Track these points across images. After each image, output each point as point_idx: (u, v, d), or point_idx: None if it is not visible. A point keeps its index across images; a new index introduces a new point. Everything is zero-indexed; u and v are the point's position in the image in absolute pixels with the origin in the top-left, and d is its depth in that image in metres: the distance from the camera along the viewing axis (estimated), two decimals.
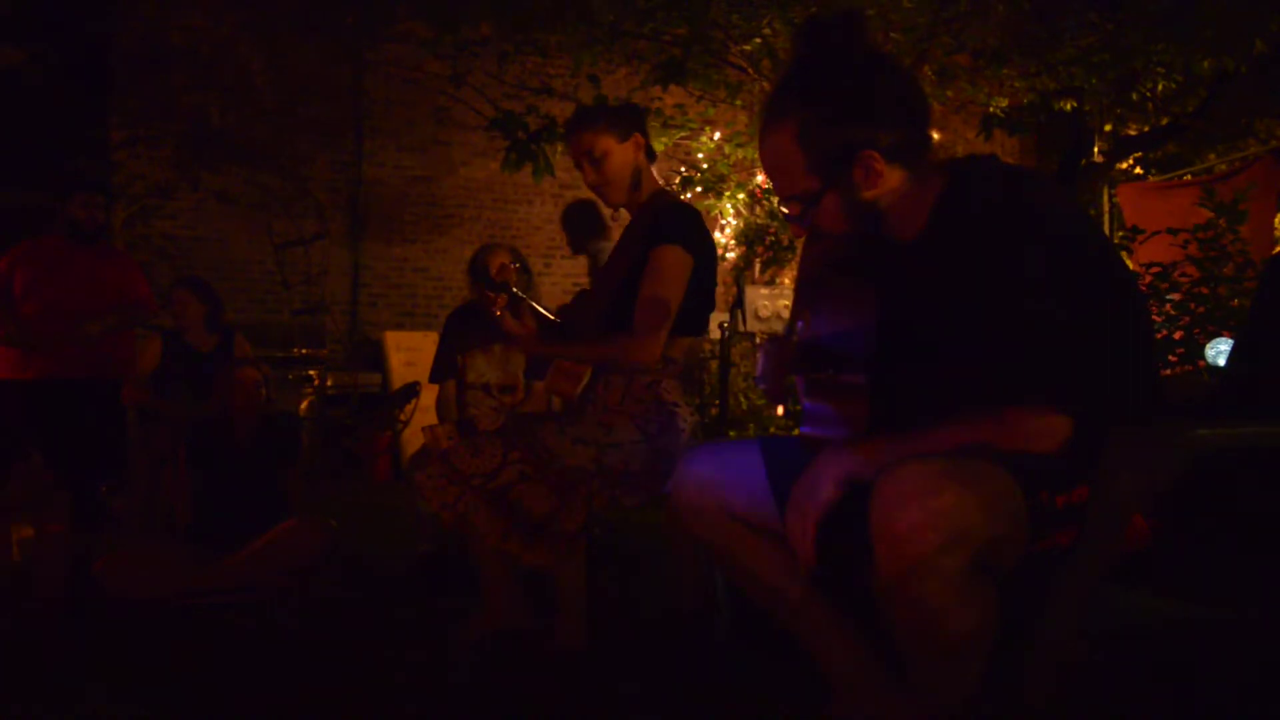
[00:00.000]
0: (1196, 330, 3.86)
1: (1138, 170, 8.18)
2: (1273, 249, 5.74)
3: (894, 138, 1.47)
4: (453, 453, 2.33)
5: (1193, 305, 3.96)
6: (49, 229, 4.32)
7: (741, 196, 6.86)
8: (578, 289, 3.41)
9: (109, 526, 3.86)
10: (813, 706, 1.69)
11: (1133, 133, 7.79)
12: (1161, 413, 1.47)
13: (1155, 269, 4.13)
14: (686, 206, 2.52)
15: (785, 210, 1.58)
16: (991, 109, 6.03)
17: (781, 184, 1.56)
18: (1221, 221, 4.14)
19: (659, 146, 6.47)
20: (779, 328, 5.65)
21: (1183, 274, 4.11)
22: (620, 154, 2.48)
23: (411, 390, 6.08)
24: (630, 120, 2.51)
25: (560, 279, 8.11)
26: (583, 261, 8.24)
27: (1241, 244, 4.16)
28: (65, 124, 6.62)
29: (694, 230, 2.44)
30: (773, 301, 6.25)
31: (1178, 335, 3.88)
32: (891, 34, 5.64)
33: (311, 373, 6.62)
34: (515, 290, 2.49)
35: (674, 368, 2.44)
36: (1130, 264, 4.07)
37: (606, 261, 2.60)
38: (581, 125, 2.49)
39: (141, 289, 4.34)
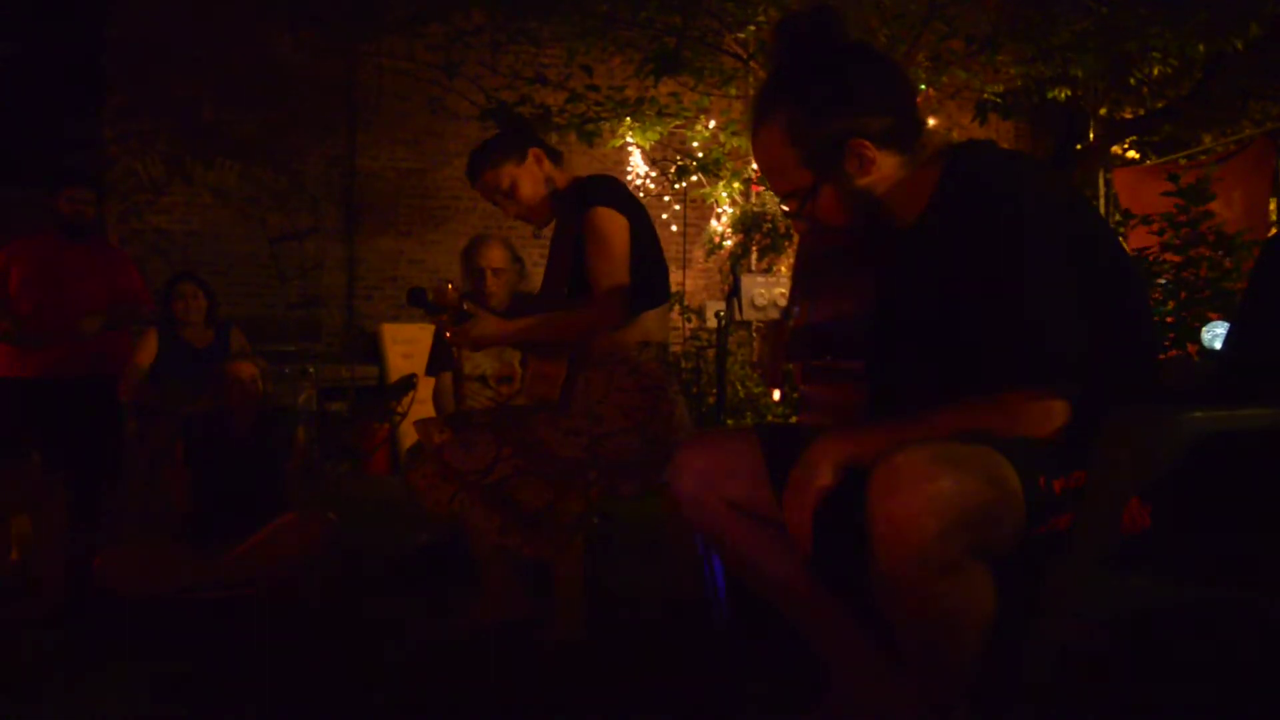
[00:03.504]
0: (1185, 314, 3.85)
1: (1133, 154, 8.17)
2: (1268, 231, 5.73)
3: (882, 123, 1.48)
4: (446, 450, 2.33)
5: (1179, 290, 3.95)
6: (43, 226, 4.30)
7: (737, 185, 6.86)
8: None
9: (107, 523, 3.86)
10: (812, 694, 1.69)
11: (1128, 116, 7.78)
12: (1158, 396, 1.47)
13: (1148, 252, 4.12)
14: (603, 176, 2.52)
15: (785, 207, 1.58)
16: (986, 95, 6.02)
17: (777, 182, 1.57)
18: (1194, 208, 4.13)
19: (654, 136, 6.47)
20: (776, 316, 5.64)
21: (1168, 256, 4.10)
22: (527, 176, 2.47)
23: (409, 382, 6.06)
24: (520, 139, 2.50)
25: None
26: None
27: (1215, 225, 4.14)
28: (59, 120, 6.60)
29: (618, 192, 2.44)
30: (769, 290, 6.24)
31: (1169, 319, 3.87)
32: (886, 20, 5.63)
33: (308, 366, 6.62)
34: (465, 305, 2.46)
35: (650, 350, 2.44)
36: (1126, 246, 4.06)
37: (549, 257, 2.60)
38: (481, 168, 2.49)
39: (135, 284, 4.33)
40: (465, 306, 2.46)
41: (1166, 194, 4.20)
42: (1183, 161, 6.79)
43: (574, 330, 2.42)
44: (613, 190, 2.43)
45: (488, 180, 2.48)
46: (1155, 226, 4.16)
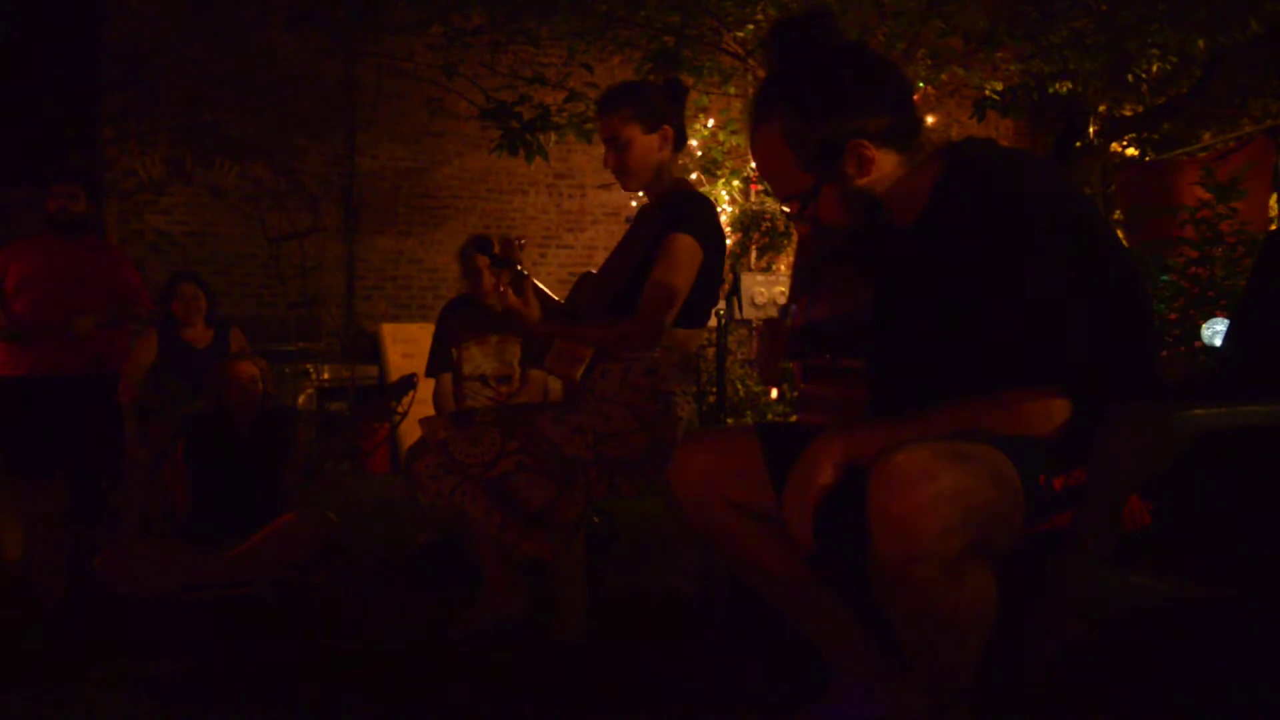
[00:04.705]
0: (1192, 311, 3.85)
1: (1132, 151, 8.17)
2: (1268, 227, 5.73)
3: (879, 123, 1.48)
4: (451, 442, 2.33)
5: (1187, 285, 3.94)
6: (40, 226, 4.29)
7: (736, 183, 6.86)
8: (574, 279, 3.40)
9: (108, 522, 3.87)
10: (813, 692, 1.69)
11: (1127, 113, 7.78)
12: (1159, 393, 1.47)
13: (1153, 250, 4.12)
14: (703, 198, 2.49)
15: (786, 209, 1.58)
16: (987, 92, 6.02)
17: (778, 185, 1.57)
18: (1215, 202, 4.13)
19: None
20: (775, 314, 5.64)
21: (1179, 254, 4.09)
22: (644, 144, 2.42)
23: (409, 382, 6.07)
24: (662, 110, 2.44)
25: (556, 269, 8.10)
26: (579, 252, 8.23)
27: (1239, 222, 4.13)
28: (57, 119, 6.60)
29: (708, 222, 2.42)
30: (769, 288, 6.23)
31: (1173, 317, 3.87)
32: (884, 19, 5.63)
33: (308, 366, 6.62)
34: (520, 268, 2.46)
35: (671, 356, 2.44)
36: (1127, 244, 4.04)
37: (618, 246, 2.59)
38: (611, 109, 2.44)
39: (133, 283, 4.32)
40: (520, 269, 2.45)
41: (1203, 183, 4.18)
42: (1183, 158, 6.78)
43: (603, 341, 2.42)
44: (704, 220, 2.41)
45: (611, 124, 2.43)
46: (1179, 218, 4.14)
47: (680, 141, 2.50)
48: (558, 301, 2.59)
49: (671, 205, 2.44)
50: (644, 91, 2.49)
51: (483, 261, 3.24)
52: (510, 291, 2.38)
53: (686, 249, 2.35)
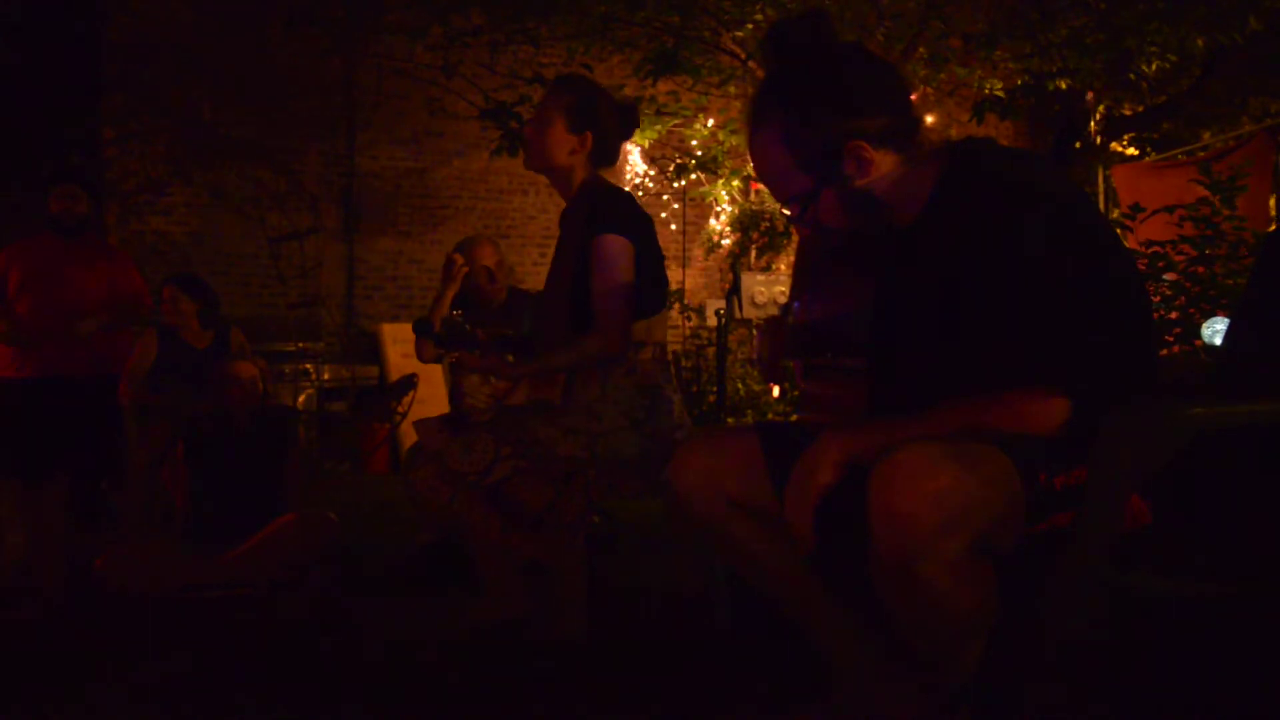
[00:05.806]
0: (1193, 310, 3.85)
1: (1132, 150, 8.17)
2: (1268, 227, 5.73)
3: (878, 124, 1.47)
4: (445, 452, 2.33)
5: (1188, 285, 3.94)
6: (41, 227, 4.30)
7: (736, 183, 6.86)
8: None
9: (108, 523, 3.87)
10: (814, 692, 1.69)
11: (1127, 113, 7.78)
12: (1159, 392, 1.47)
13: (1154, 249, 4.11)
14: (618, 191, 2.50)
15: (786, 212, 1.58)
16: (988, 90, 6.02)
17: (777, 188, 1.57)
18: (1215, 200, 4.13)
19: (652, 135, 6.48)
20: (776, 313, 5.65)
21: (1179, 253, 4.08)
22: (559, 138, 2.44)
23: (409, 382, 6.08)
24: (595, 118, 2.45)
25: None
26: None
27: (1237, 221, 4.13)
28: (57, 122, 6.59)
29: (628, 214, 2.42)
30: (769, 288, 6.24)
31: (1173, 315, 3.87)
32: (883, 20, 5.63)
33: (308, 366, 6.62)
34: (470, 329, 2.49)
35: (646, 350, 2.44)
36: (1128, 243, 4.04)
37: (554, 258, 2.60)
38: (552, 92, 2.49)
39: (135, 284, 4.33)
40: (468, 329, 2.48)
41: (1196, 180, 4.18)
42: (1182, 157, 6.79)
43: (579, 362, 2.42)
44: (620, 211, 2.42)
45: (546, 102, 2.49)
46: (1177, 215, 4.13)
47: (601, 156, 2.49)
48: (513, 336, 2.63)
49: (586, 206, 2.44)
50: (592, 94, 2.50)
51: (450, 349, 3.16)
52: (474, 359, 2.41)
53: (617, 247, 2.36)
